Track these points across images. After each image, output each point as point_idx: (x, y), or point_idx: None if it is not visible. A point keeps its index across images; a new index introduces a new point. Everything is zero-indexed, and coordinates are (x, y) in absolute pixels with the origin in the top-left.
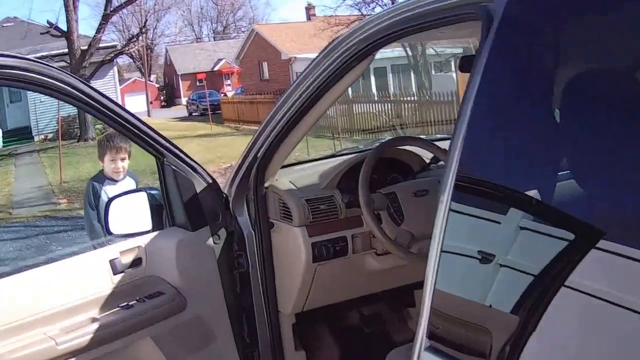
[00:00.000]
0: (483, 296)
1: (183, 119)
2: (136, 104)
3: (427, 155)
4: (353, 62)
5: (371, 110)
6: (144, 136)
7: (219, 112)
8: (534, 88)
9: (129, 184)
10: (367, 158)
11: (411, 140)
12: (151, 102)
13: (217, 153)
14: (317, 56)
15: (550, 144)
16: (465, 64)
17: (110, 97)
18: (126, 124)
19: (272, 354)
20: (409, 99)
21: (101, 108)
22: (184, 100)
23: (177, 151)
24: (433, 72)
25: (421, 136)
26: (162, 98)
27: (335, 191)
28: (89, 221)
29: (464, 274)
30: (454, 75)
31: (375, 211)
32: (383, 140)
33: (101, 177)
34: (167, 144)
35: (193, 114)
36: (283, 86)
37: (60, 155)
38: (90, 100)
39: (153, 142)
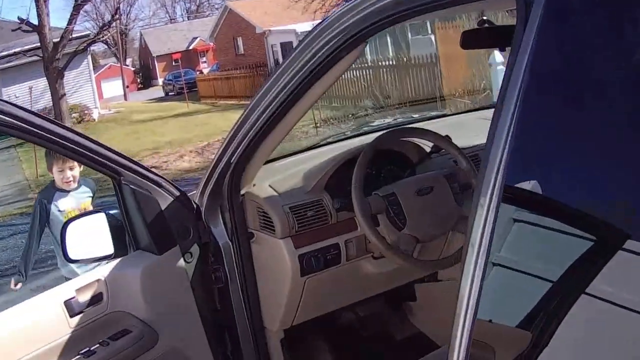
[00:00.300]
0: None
1: (159, 99)
2: (113, 89)
3: (425, 144)
4: (342, 52)
5: (349, 77)
6: (94, 156)
7: (195, 90)
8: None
9: (83, 192)
10: (361, 156)
11: (410, 132)
12: (128, 86)
13: (195, 132)
14: (298, 46)
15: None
16: (469, 39)
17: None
18: (72, 146)
19: None
20: (386, 63)
21: (41, 133)
22: (160, 81)
23: (135, 167)
24: (410, 35)
25: (413, 115)
26: (138, 81)
27: (324, 194)
28: (28, 244)
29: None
30: (432, 37)
31: (372, 216)
32: (379, 134)
33: (50, 191)
34: (123, 161)
35: (169, 94)
36: (259, 60)
37: (35, 148)
38: (27, 126)
39: (106, 161)
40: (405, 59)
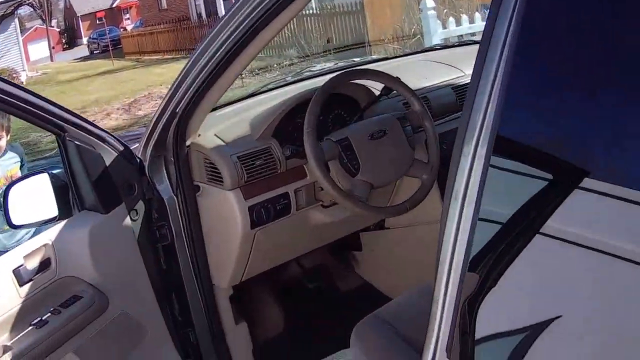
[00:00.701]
0: None
1: (85, 58)
2: (39, 51)
3: (374, 87)
4: None
5: None
6: (37, 111)
7: (120, 47)
8: None
9: (9, 159)
10: (312, 100)
11: (361, 74)
12: (53, 47)
13: (120, 89)
14: None
15: None
16: None
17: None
18: (13, 101)
19: (209, 333)
20: (310, 11)
21: None
22: (85, 40)
23: (79, 122)
24: None
25: (355, 59)
26: (63, 41)
27: (272, 141)
28: None
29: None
30: None
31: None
32: (330, 77)
33: None
34: (68, 116)
35: (94, 52)
36: (182, 15)
37: None
38: None
39: (50, 117)
40: (329, 7)
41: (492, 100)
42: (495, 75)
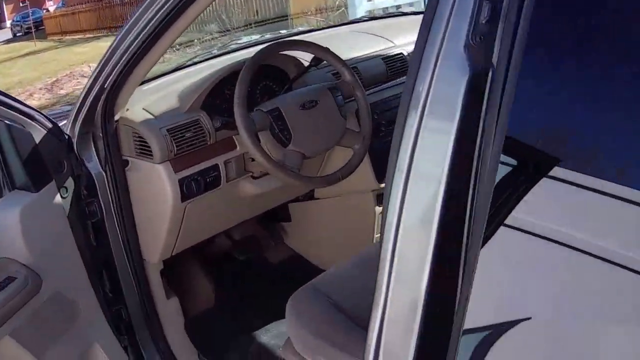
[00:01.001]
0: None
1: (7, 41)
2: None
3: (303, 58)
4: None
5: None
6: None
7: (42, 28)
8: None
9: None
10: (243, 71)
11: (291, 44)
12: None
13: (43, 69)
14: None
15: None
16: None
17: None
18: None
19: (141, 309)
20: None
21: None
22: (9, 23)
23: (8, 101)
24: None
25: (281, 31)
26: None
27: (202, 113)
28: None
29: None
30: None
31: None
32: (262, 47)
33: None
34: None
35: (17, 34)
36: None
37: None
38: None
39: None
40: None
41: (437, 70)
42: (441, 46)
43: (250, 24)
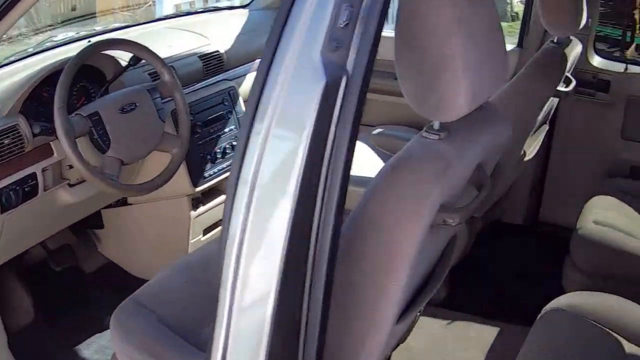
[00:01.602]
0: None
1: None
2: None
3: (121, 57)
4: None
5: None
6: None
7: None
8: None
9: None
10: (63, 73)
11: (112, 44)
12: None
13: None
14: None
15: None
16: None
17: None
18: None
19: None
20: None
21: None
22: None
23: None
24: None
25: (96, 28)
26: None
27: (20, 118)
28: None
29: None
30: None
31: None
32: (84, 47)
33: None
34: None
35: None
36: None
37: None
38: None
39: None
40: None
41: (287, 73)
42: (294, 52)
43: (58, 21)
